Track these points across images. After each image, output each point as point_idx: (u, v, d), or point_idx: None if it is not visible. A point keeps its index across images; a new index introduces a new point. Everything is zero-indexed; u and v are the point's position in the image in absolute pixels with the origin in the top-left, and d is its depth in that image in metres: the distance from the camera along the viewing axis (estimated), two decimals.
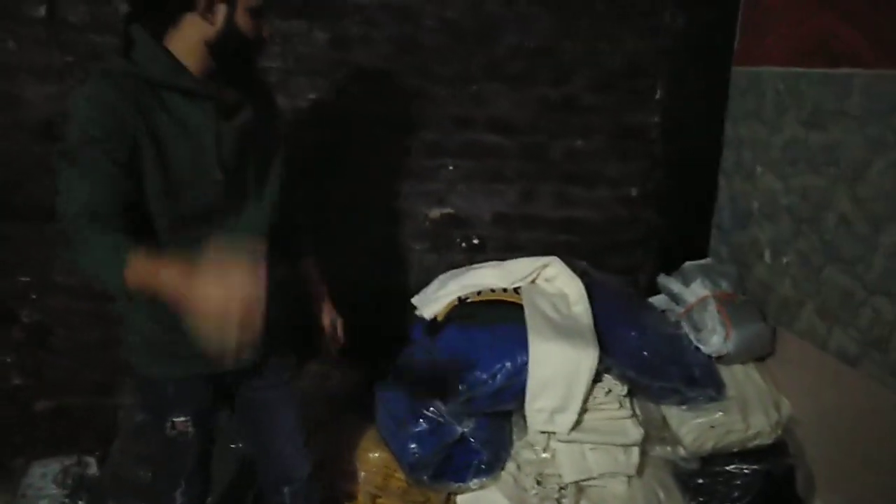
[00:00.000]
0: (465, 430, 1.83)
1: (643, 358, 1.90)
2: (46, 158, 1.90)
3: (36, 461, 2.05)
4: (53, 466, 2.05)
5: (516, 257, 2.24)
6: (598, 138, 2.24)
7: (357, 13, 2.04)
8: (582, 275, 2.17)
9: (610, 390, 1.84)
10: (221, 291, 1.00)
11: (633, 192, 2.27)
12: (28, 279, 1.98)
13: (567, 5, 2.12)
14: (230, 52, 1.28)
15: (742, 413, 1.90)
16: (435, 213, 2.20)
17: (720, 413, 1.90)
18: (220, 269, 1.02)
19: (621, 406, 1.85)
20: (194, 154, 1.25)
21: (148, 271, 1.09)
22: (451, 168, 2.17)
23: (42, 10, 1.84)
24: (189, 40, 1.24)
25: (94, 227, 1.12)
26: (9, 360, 2.02)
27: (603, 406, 1.84)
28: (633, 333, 1.94)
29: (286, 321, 1.45)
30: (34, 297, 2.00)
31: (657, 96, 2.21)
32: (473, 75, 2.12)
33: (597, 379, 1.82)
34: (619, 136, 2.25)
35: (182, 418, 1.40)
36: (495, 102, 2.15)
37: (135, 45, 1.24)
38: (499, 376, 1.82)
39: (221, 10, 1.24)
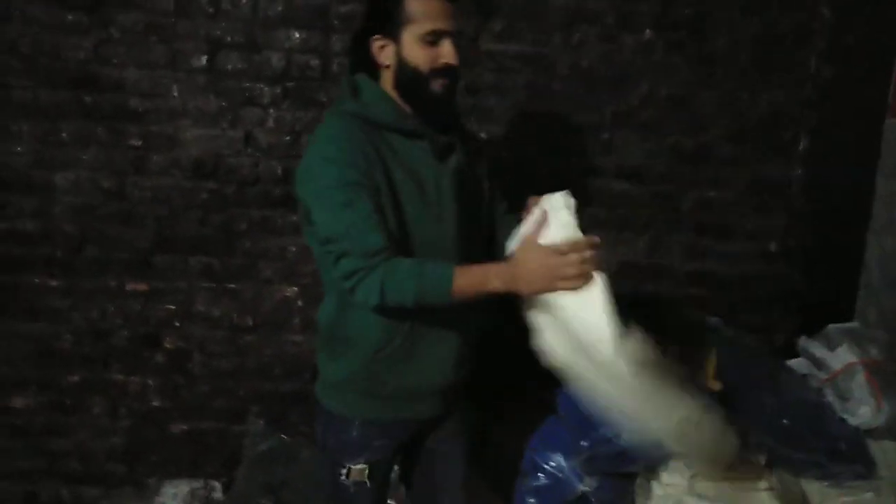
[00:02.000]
0: (587, 489, 1.80)
1: (782, 426, 1.80)
2: (197, 195, 2.08)
3: (168, 481, 2.19)
4: (183, 487, 2.18)
5: (643, 310, 2.19)
6: (733, 189, 2.18)
7: (490, 60, 2.09)
8: (713, 331, 2.10)
9: (746, 459, 1.76)
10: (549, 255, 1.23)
11: (772, 246, 2.18)
12: (173, 307, 2.14)
13: (707, 55, 2.10)
14: (413, 88, 1.32)
15: None
16: None
17: (870, 493, 1.76)
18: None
19: (758, 477, 1.75)
20: (418, 193, 1.32)
21: (475, 275, 1.27)
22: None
23: (203, 60, 2.02)
24: (388, 86, 1.35)
25: (397, 259, 1.26)
26: (150, 382, 2.18)
27: (739, 476, 1.75)
28: (770, 398, 1.85)
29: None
30: (177, 324, 2.15)
31: (800, 148, 2.13)
32: (604, 123, 2.13)
33: None
34: (757, 188, 2.18)
35: (360, 465, 1.41)
36: (626, 150, 2.14)
37: (360, 91, 1.35)
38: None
39: (388, 49, 1.32)
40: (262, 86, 2.05)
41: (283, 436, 2.16)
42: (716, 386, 1.89)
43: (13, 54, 1.97)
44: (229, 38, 2.02)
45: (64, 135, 2.02)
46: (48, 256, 2.08)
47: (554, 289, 1.23)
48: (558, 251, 1.22)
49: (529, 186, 2.12)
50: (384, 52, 1.33)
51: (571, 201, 1.32)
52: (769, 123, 2.13)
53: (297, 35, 2.03)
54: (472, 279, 1.27)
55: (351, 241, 1.24)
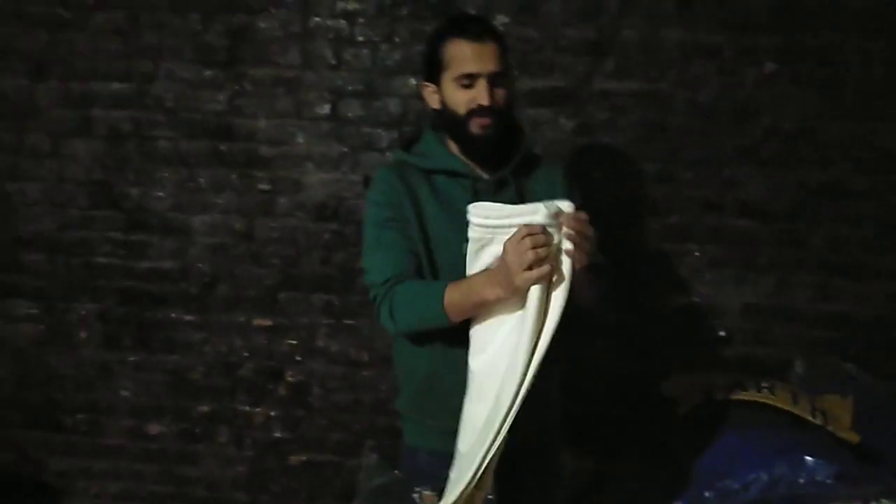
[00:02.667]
0: None
1: None
2: (319, 236, 2.20)
3: None
4: None
5: (768, 353, 2.11)
6: (867, 226, 2.06)
7: (603, 99, 2.10)
8: (849, 378, 1.98)
9: None
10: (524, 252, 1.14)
11: None
12: (295, 342, 2.26)
13: (834, 84, 2.01)
14: (454, 130, 1.40)
15: None
16: (678, 301, 2.14)
17: None
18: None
19: None
20: (452, 227, 1.36)
21: (464, 285, 1.26)
22: (696, 254, 2.12)
23: (327, 109, 2.15)
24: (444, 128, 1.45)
25: (401, 284, 1.34)
26: (273, 414, 2.29)
27: None
28: None
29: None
30: (298, 358, 2.26)
31: None
32: (725, 158, 2.08)
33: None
34: (892, 223, 2.06)
35: (429, 491, 1.45)
36: (748, 186, 2.08)
37: (421, 139, 1.48)
38: (752, 488, 1.70)
39: (435, 94, 1.42)
40: (380, 131, 2.15)
41: (396, 472, 2.21)
42: (853, 437, 1.78)
43: (158, 109, 2.17)
44: (350, 88, 2.14)
45: (201, 180, 2.20)
46: (184, 293, 2.26)
47: (522, 279, 1.15)
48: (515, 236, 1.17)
49: (645, 226, 2.12)
50: (433, 98, 1.44)
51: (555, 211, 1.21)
52: None
53: (413, 81, 2.12)
54: (462, 290, 1.26)
55: (374, 273, 1.39)
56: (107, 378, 2.32)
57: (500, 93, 1.36)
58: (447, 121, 1.41)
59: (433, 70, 1.40)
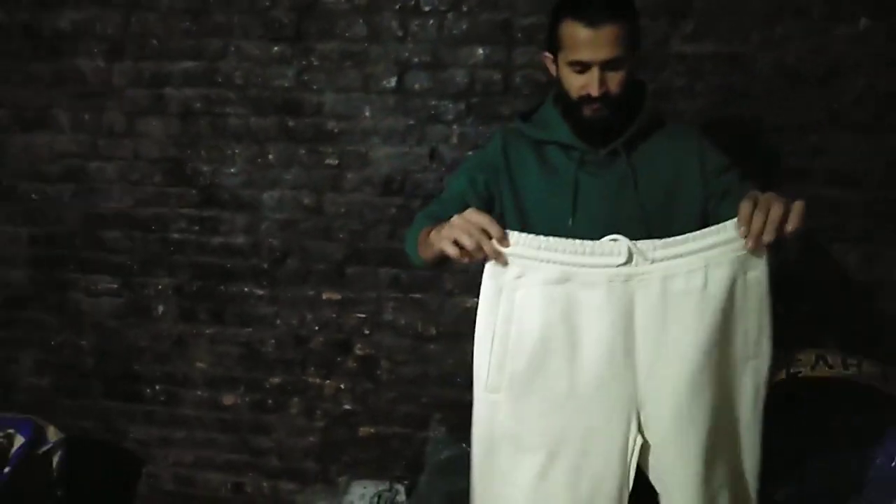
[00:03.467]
0: None
1: None
2: (386, 210, 2.20)
3: (356, 481, 2.32)
4: (370, 488, 2.31)
5: (856, 328, 2.02)
6: None
7: (680, 63, 2.02)
8: None
9: None
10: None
11: None
12: (364, 316, 2.28)
13: None
14: (565, 109, 1.37)
15: None
16: None
17: None
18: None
19: None
20: (552, 196, 1.36)
21: (431, 230, 1.21)
22: None
23: (393, 81, 2.14)
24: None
25: (422, 220, 1.35)
26: (342, 386, 2.34)
27: None
28: None
29: None
30: (367, 332, 2.29)
31: None
32: (812, 124, 1.97)
33: None
34: None
35: None
36: (838, 153, 1.97)
37: (540, 108, 1.48)
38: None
39: (553, 67, 1.40)
40: (446, 103, 2.13)
41: (463, 445, 2.23)
42: None
43: (229, 86, 2.21)
44: (416, 59, 2.12)
45: (270, 156, 2.24)
46: (256, 268, 2.31)
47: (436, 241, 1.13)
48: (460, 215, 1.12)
49: None
50: (551, 68, 1.41)
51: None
52: None
53: (481, 51, 2.08)
54: (428, 232, 1.22)
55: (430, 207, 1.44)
56: (183, 350, 2.41)
57: (617, 78, 1.29)
58: (559, 97, 1.39)
59: (552, 44, 1.36)
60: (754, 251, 1.07)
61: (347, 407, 2.35)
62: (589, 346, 1.09)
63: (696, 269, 1.08)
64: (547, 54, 1.40)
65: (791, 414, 1.77)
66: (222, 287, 2.34)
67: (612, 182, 1.36)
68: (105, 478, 2.51)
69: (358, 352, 2.31)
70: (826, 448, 1.72)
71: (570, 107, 1.35)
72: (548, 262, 1.08)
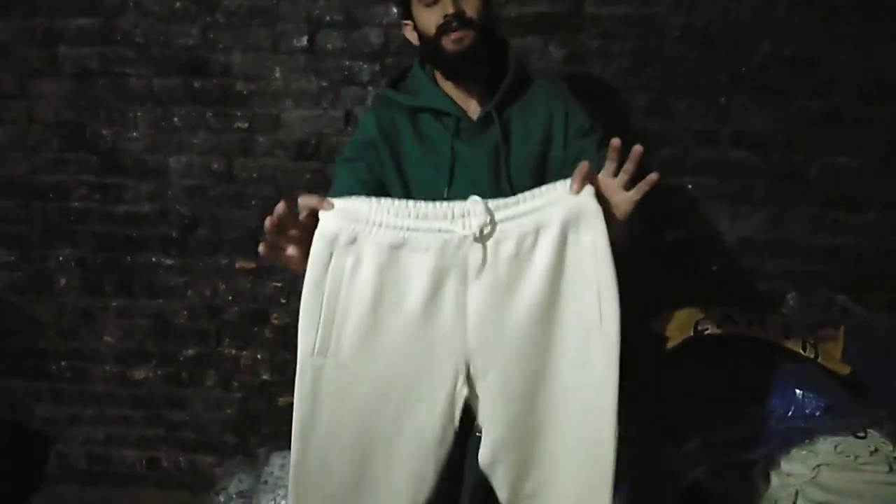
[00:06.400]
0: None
1: None
2: (301, 175, 2.20)
3: (276, 452, 2.34)
4: (290, 458, 2.33)
5: (762, 287, 2.14)
6: (868, 156, 2.06)
7: (594, 26, 2.06)
8: (841, 311, 2.01)
9: (877, 449, 1.68)
10: None
11: None
12: (280, 284, 2.28)
13: (837, 8, 1.97)
14: (431, 56, 1.37)
15: None
16: (669, 235, 2.16)
17: None
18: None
19: (891, 469, 1.68)
20: (430, 167, 1.36)
21: None
22: (689, 187, 2.12)
23: (305, 41, 2.11)
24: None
25: None
26: (259, 356, 2.34)
27: (866, 467, 1.68)
28: None
29: None
30: (283, 301, 2.29)
31: None
32: (720, 87, 2.06)
33: (861, 435, 1.68)
34: (894, 153, 2.05)
35: None
36: (744, 116, 2.07)
37: (409, 75, 1.46)
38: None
39: (412, 30, 1.41)
40: (361, 63, 2.12)
41: None
42: (844, 370, 1.82)
43: (129, 44, 2.14)
44: (328, 18, 2.10)
45: (176, 119, 2.19)
46: (164, 237, 2.27)
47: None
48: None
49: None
50: (413, 35, 1.41)
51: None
52: None
53: (395, 10, 2.07)
54: None
55: None
56: (89, 324, 2.36)
57: (471, 2, 1.30)
58: (425, 51, 1.38)
59: (404, 4, 1.38)
60: (587, 210, 1.08)
61: (265, 377, 2.36)
62: (419, 308, 1.11)
63: (528, 233, 1.10)
64: (406, 22, 1.42)
65: (698, 370, 1.88)
66: (129, 257, 2.30)
67: (488, 149, 1.37)
68: (13, 459, 2.45)
69: (275, 321, 2.31)
70: (732, 402, 1.82)
71: (433, 50, 1.34)
72: (381, 225, 1.09)
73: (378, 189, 1.35)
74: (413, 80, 1.45)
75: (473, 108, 1.41)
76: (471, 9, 1.30)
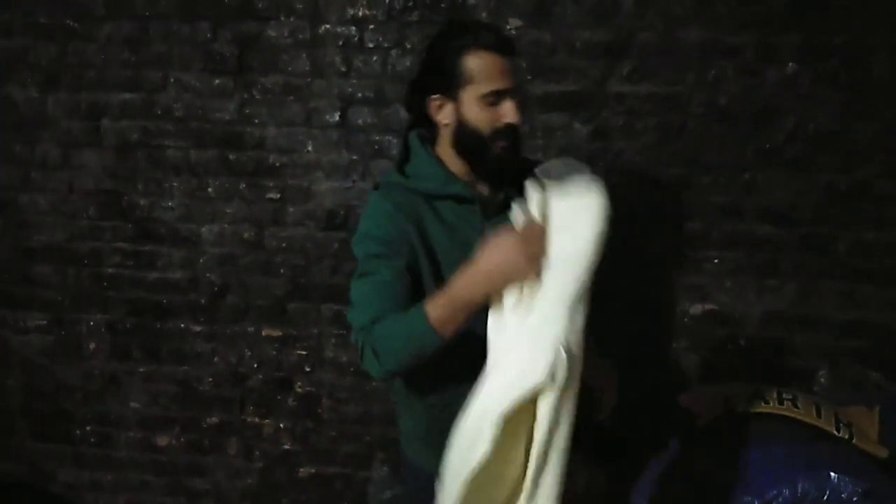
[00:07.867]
0: None
1: None
2: (329, 245, 2.25)
3: None
4: None
5: (791, 363, 2.12)
6: (894, 230, 2.06)
7: (619, 103, 2.13)
8: (875, 388, 1.98)
9: None
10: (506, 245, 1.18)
11: None
12: (305, 353, 2.31)
13: (861, 84, 2.02)
14: (473, 149, 1.33)
15: None
16: (696, 309, 2.16)
17: None
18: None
19: None
20: (461, 253, 1.31)
21: (442, 296, 1.20)
22: (716, 261, 2.14)
23: (337, 116, 2.20)
24: (446, 145, 1.38)
25: (378, 322, 1.26)
26: (282, 425, 2.35)
27: None
28: None
29: None
30: (308, 369, 2.32)
31: None
32: (745, 162, 2.09)
33: None
34: None
35: None
36: (770, 191, 2.09)
37: (411, 156, 1.42)
38: None
39: (447, 108, 1.34)
40: (390, 138, 2.20)
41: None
42: (882, 453, 1.78)
43: (168, 118, 2.25)
44: (360, 95, 2.19)
45: (210, 190, 2.27)
46: (193, 303, 2.32)
47: (508, 277, 1.18)
48: (511, 235, 1.18)
49: (663, 233, 2.14)
50: (443, 112, 1.35)
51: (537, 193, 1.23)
52: None
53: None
54: (442, 302, 1.20)
55: (356, 312, 1.30)
56: (116, 389, 2.40)
57: (519, 110, 1.31)
58: (463, 139, 1.34)
59: (447, 83, 1.31)
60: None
61: (287, 447, 2.36)
62: None
63: None
64: (436, 98, 1.34)
65: (726, 448, 1.85)
66: (158, 323, 2.35)
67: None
68: None
69: (299, 390, 2.33)
70: (762, 482, 1.78)
71: (479, 145, 1.32)
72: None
73: (410, 283, 1.32)
74: (419, 162, 1.41)
75: (482, 187, 1.40)
76: (521, 114, 1.32)
